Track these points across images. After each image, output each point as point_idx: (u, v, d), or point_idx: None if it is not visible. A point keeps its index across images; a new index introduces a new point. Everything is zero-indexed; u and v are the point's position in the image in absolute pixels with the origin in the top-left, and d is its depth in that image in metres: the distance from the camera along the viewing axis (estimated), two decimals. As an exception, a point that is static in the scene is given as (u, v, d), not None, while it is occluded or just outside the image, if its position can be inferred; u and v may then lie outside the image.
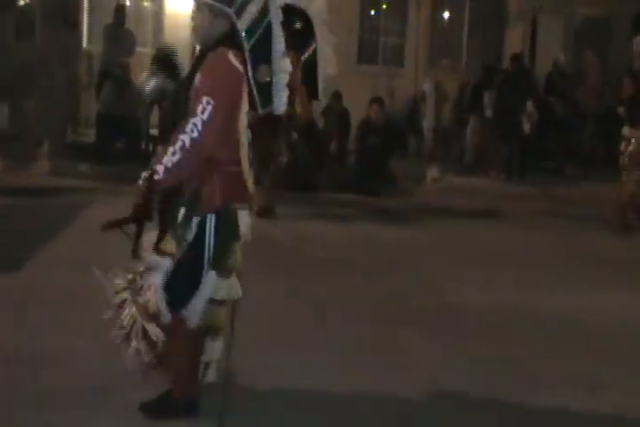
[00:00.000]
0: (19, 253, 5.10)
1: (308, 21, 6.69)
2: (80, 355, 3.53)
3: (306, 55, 6.50)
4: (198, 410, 3.02)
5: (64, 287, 4.47)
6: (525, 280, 5.39)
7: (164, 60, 9.19)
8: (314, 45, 6.62)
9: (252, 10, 2.94)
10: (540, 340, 4.22)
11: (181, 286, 2.90)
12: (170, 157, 2.79)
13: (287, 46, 5.60)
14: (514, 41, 13.04)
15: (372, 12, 13.11)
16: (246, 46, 2.94)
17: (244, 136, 2.98)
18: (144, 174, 2.84)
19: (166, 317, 2.89)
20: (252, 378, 3.35)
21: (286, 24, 6.64)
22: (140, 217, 2.85)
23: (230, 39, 2.92)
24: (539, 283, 5.35)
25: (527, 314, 4.62)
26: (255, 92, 2.94)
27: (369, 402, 3.31)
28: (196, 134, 2.79)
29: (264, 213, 6.49)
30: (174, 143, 2.80)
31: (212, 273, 2.92)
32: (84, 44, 11.53)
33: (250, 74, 2.94)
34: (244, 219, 2.99)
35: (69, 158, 8.43)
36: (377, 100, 9.88)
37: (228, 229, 2.92)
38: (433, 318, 4.53)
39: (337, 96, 9.90)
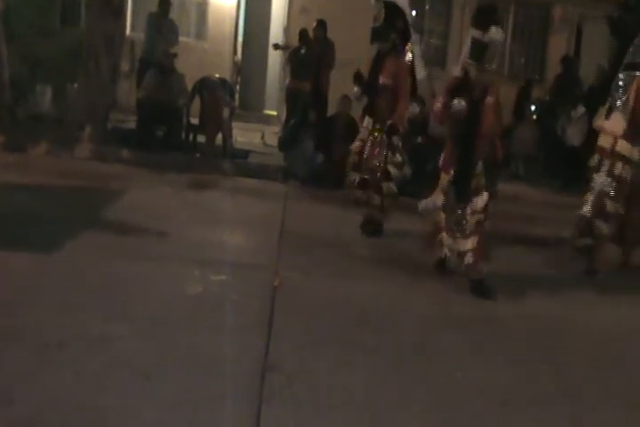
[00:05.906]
0: (57, 237, 5.04)
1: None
2: (123, 340, 3.49)
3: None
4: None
5: (100, 272, 4.44)
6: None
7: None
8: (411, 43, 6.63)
9: None
10: None
11: None
12: None
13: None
14: (558, 48, 12.88)
15: (414, 12, 12.97)
16: None
17: None
18: None
19: None
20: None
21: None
22: None
23: None
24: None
25: None
26: None
27: None
28: None
29: None
30: None
31: None
32: (127, 32, 11.53)
33: None
34: None
35: (110, 144, 8.40)
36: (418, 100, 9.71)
37: None
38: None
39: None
